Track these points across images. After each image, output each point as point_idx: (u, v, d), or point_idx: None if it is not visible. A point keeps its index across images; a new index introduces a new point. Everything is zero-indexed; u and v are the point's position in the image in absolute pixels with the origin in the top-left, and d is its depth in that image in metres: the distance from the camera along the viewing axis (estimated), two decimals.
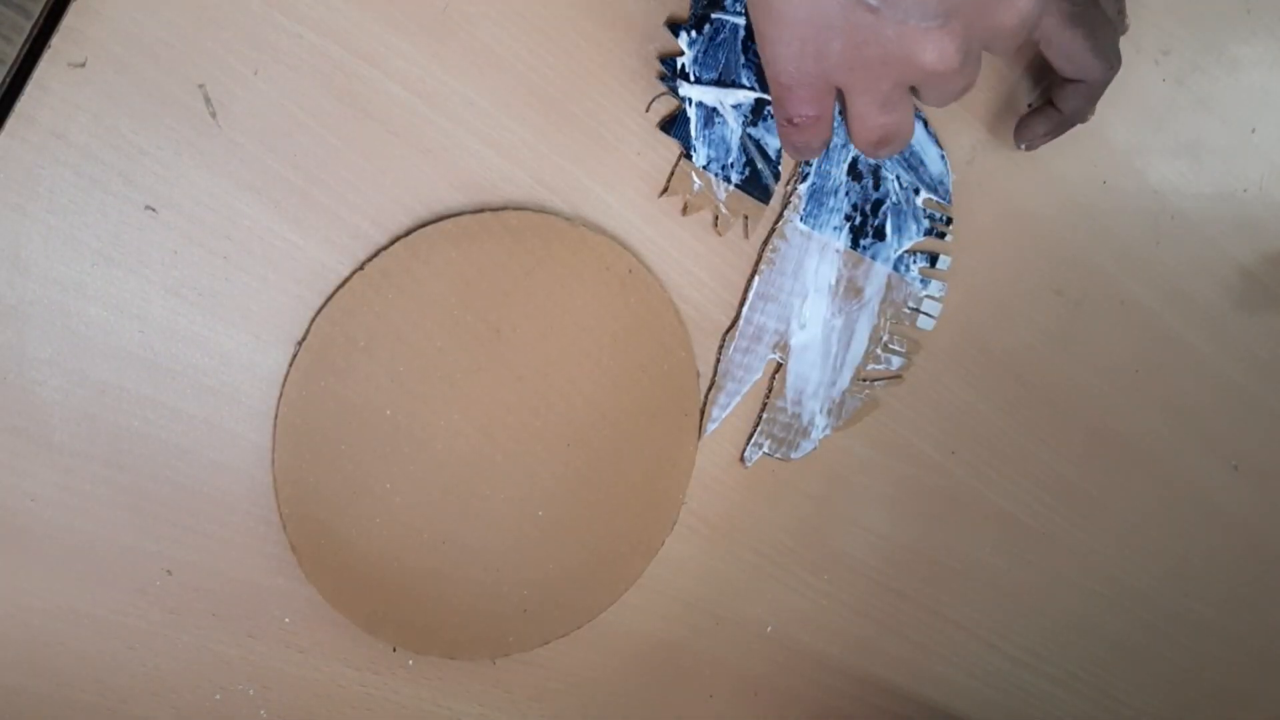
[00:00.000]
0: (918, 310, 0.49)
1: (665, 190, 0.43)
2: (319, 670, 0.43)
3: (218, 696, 0.41)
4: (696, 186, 0.43)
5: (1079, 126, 0.47)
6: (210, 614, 0.40)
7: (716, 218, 0.44)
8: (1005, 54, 0.37)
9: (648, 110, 0.42)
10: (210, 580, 0.40)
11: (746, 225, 0.45)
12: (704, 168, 0.43)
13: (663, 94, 0.42)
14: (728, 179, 0.44)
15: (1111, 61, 0.45)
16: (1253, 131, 0.55)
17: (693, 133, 0.42)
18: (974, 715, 0.59)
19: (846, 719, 0.55)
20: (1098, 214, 0.52)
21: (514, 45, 0.39)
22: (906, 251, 0.48)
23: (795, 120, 0.38)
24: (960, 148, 0.48)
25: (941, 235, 0.48)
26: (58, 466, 0.37)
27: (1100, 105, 0.50)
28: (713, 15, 0.41)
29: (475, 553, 0.43)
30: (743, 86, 0.43)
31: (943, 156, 0.47)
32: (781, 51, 0.36)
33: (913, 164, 0.47)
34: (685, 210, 0.44)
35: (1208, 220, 0.55)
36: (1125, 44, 0.49)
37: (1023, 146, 0.48)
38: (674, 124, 0.42)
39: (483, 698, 0.46)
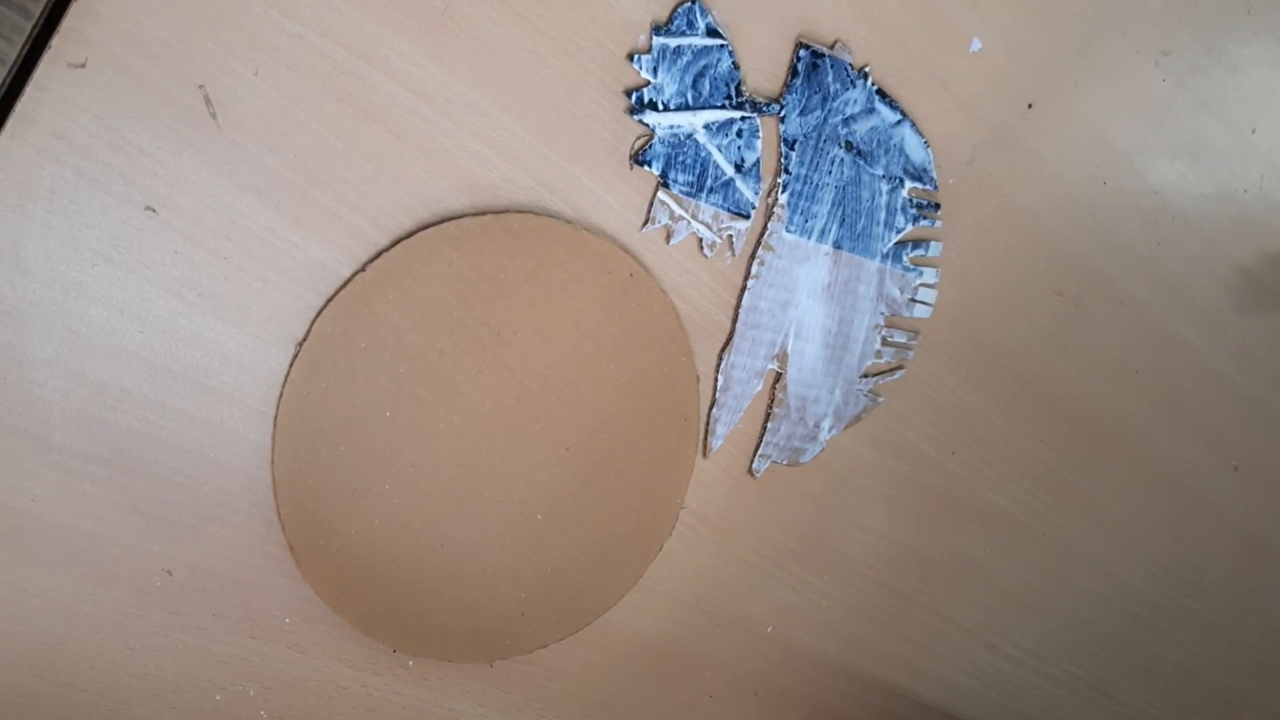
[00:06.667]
0: (914, 300, 0.49)
1: (646, 222, 0.43)
2: (319, 671, 0.43)
3: (218, 697, 0.41)
4: (677, 213, 0.43)
5: (1078, 128, 0.47)
6: (210, 614, 0.40)
7: (700, 241, 0.44)
8: None
9: (632, 169, 0.42)
10: (210, 580, 0.40)
11: (732, 243, 0.45)
12: (683, 193, 0.43)
13: (641, 138, 0.42)
14: (707, 200, 0.44)
15: None
16: (1253, 132, 0.55)
17: (667, 160, 0.42)
18: (974, 715, 0.59)
19: (846, 719, 0.55)
20: (1098, 214, 0.52)
21: (514, 45, 0.39)
22: (896, 243, 0.48)
23: None
24: (960, 148, 0.48)
25: (931, 222, 0.48)
26: (58, 466, 0.37)
27: (1100, 105, 0.50)
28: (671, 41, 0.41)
29: (473, 555, 0.43)
30: (712, 105, 0.42)
31: (925, 145, 0.47)
32: None
33: (896, 157, 0.47)
34: (669, 239, 0.44)
35: (1208, 220, 0.55)
36: (1126, 44, 0.50)
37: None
38: (646, 154, 0.42)
39: (483, 698, 0.46)
